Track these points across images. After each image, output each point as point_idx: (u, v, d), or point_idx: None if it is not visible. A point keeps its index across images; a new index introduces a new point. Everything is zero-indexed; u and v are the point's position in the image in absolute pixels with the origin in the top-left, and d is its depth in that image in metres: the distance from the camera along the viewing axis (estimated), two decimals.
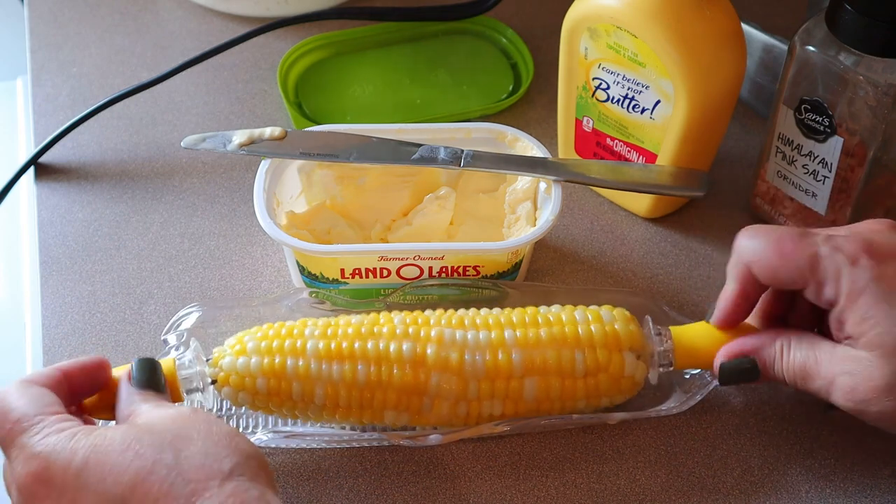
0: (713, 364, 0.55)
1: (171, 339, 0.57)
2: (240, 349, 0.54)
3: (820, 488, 0.56)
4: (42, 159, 0.71)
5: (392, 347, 0.53)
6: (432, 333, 0.54)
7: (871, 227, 0.52)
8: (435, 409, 0.54)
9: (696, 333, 0.57)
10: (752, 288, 0.54)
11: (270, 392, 0.53)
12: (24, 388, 0.46)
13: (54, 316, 0.62)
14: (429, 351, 0.53)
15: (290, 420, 0.56)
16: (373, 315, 0.56)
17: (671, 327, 0.57)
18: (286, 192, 0.64)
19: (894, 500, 0.56)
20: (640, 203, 0.69)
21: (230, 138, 0.63)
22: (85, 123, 0.71)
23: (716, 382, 0.58)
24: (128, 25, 0.81)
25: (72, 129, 0.71)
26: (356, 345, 0.53)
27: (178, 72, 0.73)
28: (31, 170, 0.71)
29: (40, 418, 0.44)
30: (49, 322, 0.62)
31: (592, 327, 0.55)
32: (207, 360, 0.54)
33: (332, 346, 0.53)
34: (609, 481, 0.56)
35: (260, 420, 0.57)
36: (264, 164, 0.62)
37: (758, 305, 0.56)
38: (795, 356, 0.52)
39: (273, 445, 0.56)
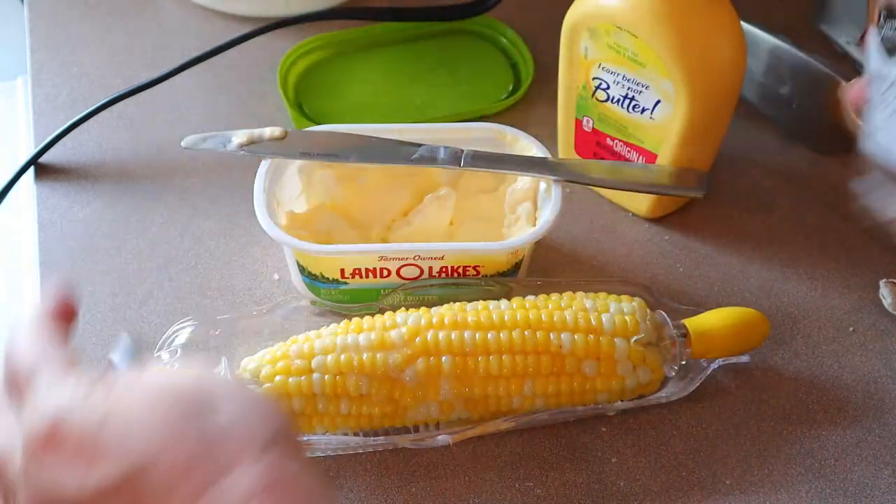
0: None
1: (165, 355, 0.57)
2: (268, 370, 0.54)
3: (820, 488, 0.56)
4: (42, 159, 0.71)
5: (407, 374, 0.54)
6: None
7: None
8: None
9: (708, 322, 0.58)
10: None
11: (297, 413, 0.54)
12: (34, 338, 0.41)
13: None
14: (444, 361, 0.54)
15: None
16: (380, 323, 0.56)
17: (685, 320, 0.58)
18: (286, 193, 0.64)
19: (894, 500, 0.56)
20: (640, 203, 0.69)
21: (230, 138, 0.63)
22: (85, 123, 0.71)
23: (712, 367, 0.58)
24: (128, 25, 0.81)
25: (72, 129, 0.71)
26: (378, 357, 0.54)
27: (178, 72, 0.73)
28: (31, 170, 0.70)
29: (50, 368, 0.39)
30: None
31: (605, 322, 0.56)
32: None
33: (355, 360, 0.54)
34: (609, 481, 0.56)
35: None
36: (264, 165, 0.62)
37: None
38: None
39: None
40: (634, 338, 0.55)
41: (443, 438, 0.55)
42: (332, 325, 0.56)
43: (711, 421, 0.59)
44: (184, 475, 0.36)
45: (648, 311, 0.57)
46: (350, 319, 0.56)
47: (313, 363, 0.54)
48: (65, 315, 0.43)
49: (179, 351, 0.57)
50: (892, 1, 0.50)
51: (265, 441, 0.37)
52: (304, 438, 0.55)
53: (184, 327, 0.58)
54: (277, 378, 0.53)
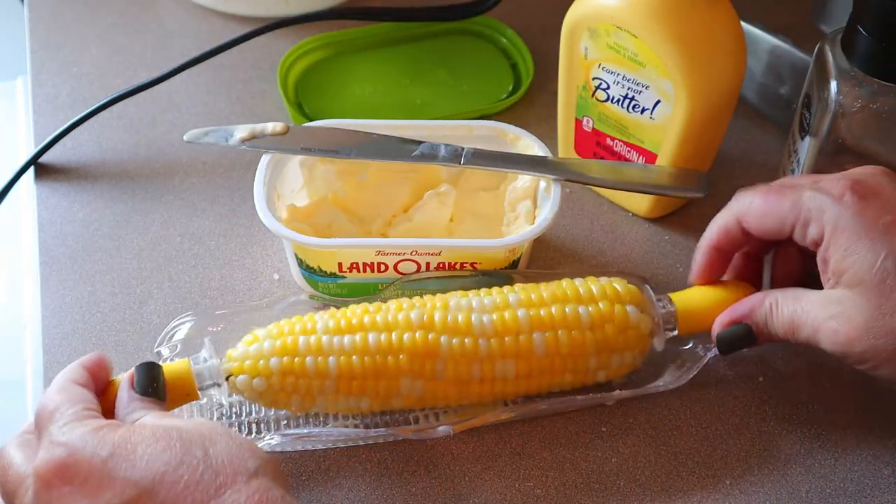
0: (712, 333, 0.57)
1: (165, 350, 0.57)
2: (251, 339, 0.54)
3: (820, 488, 0.56)
4: (42, 159, 0.71)
5: (401, 316, 0.54)
6: (438, 303, 0.55)
7: (861, 171, 0.53)
8: (449, 371, 0.54)
9: (694, 297, 0.58)
10: (727, 240, 0.56)
11: (285, 371, 0.53)
12: (65, 385, 0.48)
13: (54, 316, 0.62)
14: (436, 317, 0.54)
15: (300, 419, 0.56)
16: (377, 302, 0.56)
17: (669, 294, 0.58)
18: (287, 186, 0.64)
19: (894, 500, 0.56)
20: (640, 203, 0.69)
21: (232, 133, 0.63)
22: (85, 123, 0.71)
23: (709, 356, 0.59)
24: (128, 25, 0.81)
25: (72, 129, 0.71)
26: (366, 318, 0.54)
27: (178, 72, 0.73)
28: (31, 170, 0.71)
29: (71, 410, 0.46)
30: (49, 322, 0.62)
31: (593, 287, 0.56)
32: (220, 358, 0.54)
33: (342, 322, 0.54)
34: (609, 481, 0.56)
35: (272, 424, 0.56)
36: (266, 158, 0.62)
37: (731, 271, 0.58)
38: (784, 311, 0.53)
39: (280, 450, 0.56)
40: (629, 306, 0.56)
41: (444, 429, 0.55)
42: (321, 313, 0.56)
43: (711, 421, 0.59)
44: (184, 494, 0.42)
45: (632, 286, 0.57)
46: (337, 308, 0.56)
47: (300, 345, 0.53)
48: (98, 368, 0.50)
49: (179, 346, 0.57)
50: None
51: (253, 469, 0.44)
52: (305, 431, 0.55)
53: (183, 322, 0.58)
54: (276, 342, 0.53)
